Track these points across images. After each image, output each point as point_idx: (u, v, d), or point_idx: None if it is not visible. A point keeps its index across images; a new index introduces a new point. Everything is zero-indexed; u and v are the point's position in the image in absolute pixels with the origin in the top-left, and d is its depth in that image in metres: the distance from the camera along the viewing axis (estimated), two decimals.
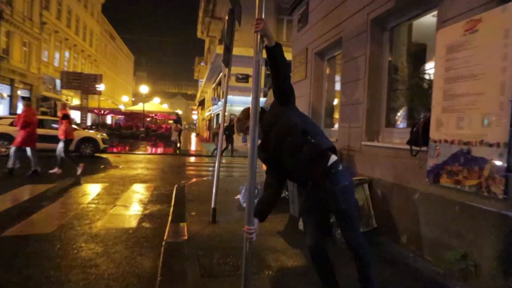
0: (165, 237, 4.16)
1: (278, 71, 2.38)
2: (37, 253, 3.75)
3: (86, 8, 37.33)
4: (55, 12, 29.43)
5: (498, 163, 2.79)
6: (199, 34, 29.59)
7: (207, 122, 36.04)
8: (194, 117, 63.00)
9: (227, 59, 5.33)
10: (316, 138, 2.38)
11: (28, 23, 25.14)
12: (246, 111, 2.59)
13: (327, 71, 6.83)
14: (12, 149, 8.41)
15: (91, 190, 7.25)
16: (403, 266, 3.48)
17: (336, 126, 6.29)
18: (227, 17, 5.15)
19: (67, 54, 32.71)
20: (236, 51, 17.52)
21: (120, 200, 6.44)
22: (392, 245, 4.07)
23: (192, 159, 16.56)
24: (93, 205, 5.93)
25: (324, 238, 2.58)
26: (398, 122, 4.79)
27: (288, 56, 8.58)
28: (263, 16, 2.36)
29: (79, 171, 8.85)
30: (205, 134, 35.72)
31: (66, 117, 9.26)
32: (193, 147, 24.47)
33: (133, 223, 5.05)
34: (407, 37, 4.69)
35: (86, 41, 37.76)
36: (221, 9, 20.62)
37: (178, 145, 17.81)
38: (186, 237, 4.14)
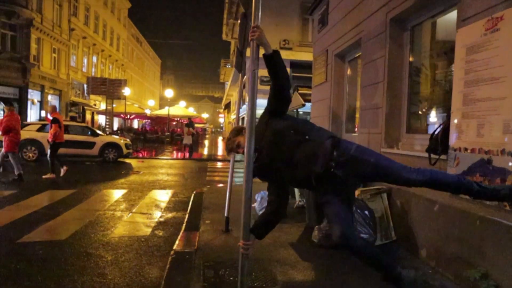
0: (174, 246, 4.20)
1: (276, 79, 2.36)
2: (49, 260, 3.87)
3: (113, 13, 38.62)
4: (83, 18, 30.64)
5: None
6: (224, 36, 29.81)
7: (232, 125, 36.28)
8: (221, 120, 63.56)
9: (240, 63, 5.33)
10: (311, 134, 2.36)
11: (57, 30, 26.31)
12: (235, 129, 2.59)
13: (348, 73, 6.70)
14: (6, 154, 8.71)
15: (110, 196, 7.45)
16: (420, 284, 3.33)
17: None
18: (239, 21, 5.16)
19: (94, 59, 33.95)
20: (260, 53, 17.58)
21: (137, 207, 6.57)
22: (412, 259, 3.91)
23: (218, 164, 16.72)
24: (110, 212, 6.08)
25: (352, 226, 2.53)
26: (420, 128, 4.61)
27: (310, 57, 8.51)
28: (259, 23, 2.34)
29: (62, 173, 9.27)
30: None
31: (56, 121, 9.33)
32: (219, 151, 24.70)
33: (147, 231, 5.13)
34: (430, 36, 4.51)
35: (113, 46, 39.05)
36: None
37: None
38: (195, 247, 4.16)
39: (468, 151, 3.14)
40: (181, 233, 4.76)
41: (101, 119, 32.65)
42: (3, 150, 8.73)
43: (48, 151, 9.45)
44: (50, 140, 9.31)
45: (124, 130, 25.17)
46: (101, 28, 35.12)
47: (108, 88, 18.35)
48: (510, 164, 2.72)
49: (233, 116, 36.25)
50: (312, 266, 3.65)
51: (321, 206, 2.52)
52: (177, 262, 3.70)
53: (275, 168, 2.40)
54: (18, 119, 9.09)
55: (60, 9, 26.87)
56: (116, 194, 7.71)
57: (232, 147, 2.59)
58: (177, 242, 4.37)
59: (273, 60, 2.33)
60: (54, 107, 10.03)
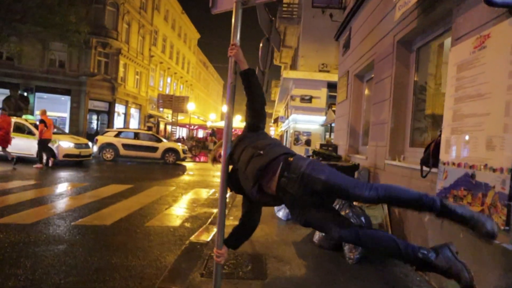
0: (191, 237, 4.18)
1: (249, 95, 2.24)
2: (89, 240, 4.03)
3: (185, 42, 40.51)
4: (160, 47, 32.46)
5: (501, 190, 2.26)
6: (276, 61, 30.03)
7: (279, 137, 36.18)
8: (272, 132, 63.80)
9: (262, 81, 5.24)
10: (267, 150, 2.10)
11: (140, 57, 28.10)
12: (219, 142, 2.50)
13: (366, 92, 6.35)
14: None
15: (158, 192, 7.66)
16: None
17: None
18: (261, 44, 5.09)
19: (169, 80, 35.72)
20: (300, 74, 17.41)
21: (177, 202, 6.68)
22: (404, 266, 3.53)
23: None
24: (153, 205, 6.24)
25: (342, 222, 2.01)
26: (423, 143, 4.20)
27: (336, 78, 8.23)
28: (238, 42, 2.26)
29: (50, 164, 10.34)
30: None
31: (42, 121, 10.22)
32: None
33: (177, 223, 5.18)
34: (435, 57, 4.13)
35: (184, 69, 40.87)
36: (290, 39, 20.74)
37: None
38: (209, 239, 4.10)
39: (455, 165, 2.78)
40: (204, 226, 4.74)
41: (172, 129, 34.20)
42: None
43: (37, 146, 10.49)
44: (38, 137, 10.32)
45: (187, 138, 26.03)
46: (174, 55, 36.96)
47: (174, 103, 19.16)
48: (491, 179, 2.35)
49: (280, 129, 36.15)
50: (305, 264, 3.43)
51: (304, 223, 2.11)
52: (188, 251, 3.66)
53: (238, 179, 2.25)
54: (8, 121, 10.17)
55: (143, 40, 28.70)
56: (164, 190, 7.92)
57: (214, 156, 2.51)
58: (196, 233, 4.35)
59: (247, 77, 2.22)
60: (43, 111, 10.79)
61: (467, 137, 2.65)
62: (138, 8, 27.14)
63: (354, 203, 3.99)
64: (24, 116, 12.45)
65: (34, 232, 4.17)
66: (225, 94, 2.35)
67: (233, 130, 2.40)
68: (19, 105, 15.07)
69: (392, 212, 4.02)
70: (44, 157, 10.33)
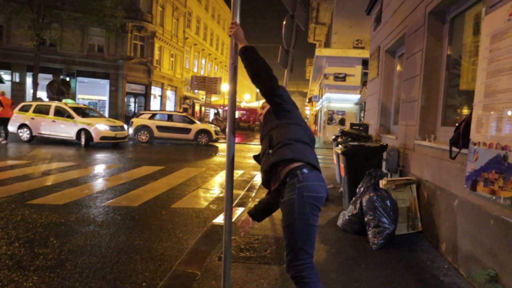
0: (214, 219, 4.25)
1: (250, 73, 2.13)
2: (118, 222, 4.24)
3: (218, 23, 40.37)
4: (194, 29, 32.64)
5: None
6: (309, 39, 29.17)
7: (314, 117, 35.56)
8: (307, 112, 62.81)
9: (285, 60, 5.09)
10: (274, 149, 1.93)
11: (174, 39, 28.48)
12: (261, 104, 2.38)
13: (398, 68, 5.98)
14: None
15: (188, 173, 7.84)
16: (429, 279, 2.85)
17: None
18: (284, 22, 4.91)
19: (203, 61, 36.03)
20: (334, 52, 16.82)
21: (205, 184, 6.81)
22: (432, 251, 3.38)
23: None
24: (182, 186, 6.41)
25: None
26: (456, 121, 3.90)
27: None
28: (238, 21, 2.18)
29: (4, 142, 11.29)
30: (313, 128, 35.37)
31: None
32: None
33: (203, 205, 5.27)
34: (472, 28, 3.75)
35: (218, 50, 40.94)
36: (323, 15, 19.92)
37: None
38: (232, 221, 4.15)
39: (486, 146, 2.55)
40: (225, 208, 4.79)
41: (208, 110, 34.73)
42: None
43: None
44: None
45: (220, 119, 26.30)
46: (208, 36, 37.03)
47: (207, 84, 19.36)
48: None
49: (315, 108, 35.49)
50: (327, 249, 3.39)
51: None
52: (209, 234, 3.69)
53: None
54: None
55: (177, 22, 28.97)
56: (194, 172, 8.10)
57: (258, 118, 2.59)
58: (219, 216, 4.40)
59: (245, 55, 2.13)
60: (2, 92, 11.80)
61: (500, 115, 2.40)
62: None
63: (380, 185, 3.84)
64: (64, 100, 13.17)
65: (65, 213, 4.41)
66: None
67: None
68: (61, 90, 15.97)
69: (421, 195, 3.82)
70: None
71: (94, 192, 5.64)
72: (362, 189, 3.71)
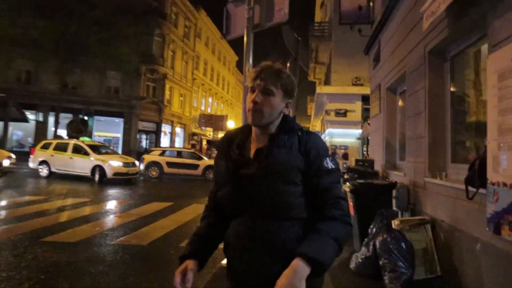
0: (223, 261, 3.93)
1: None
2: (127, 262, 3.95)
3: (224, 65, 41.50)
4: (202, 70, 33.50)
5: None
6: (309, 78, 29.66)
7: None
8: None
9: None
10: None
11: (184, 80, 29.14)
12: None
13: (400, 104, 5.84)
14: None
15: (197, 209, 7.52)
16: None
17: None
18: (288, 64, 4.86)
19: (210, 100, 36.62)
20: (334, 89, 16.90)
21: None
22: None
23: None
24: (191, 223, 6.11)
25: None
26: (467, 158, 3.66)
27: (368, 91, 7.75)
28: (251, 64, 2.05)
29: None
30: None
31: None
32: None
33: None
34: (473, 65, 3.62)
35: (224, 90, 41.74)
36: (322, 55, 20.35)
37: None
38: None
39: (507, 186, 2.30)
40: None
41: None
42: None
43: None
44: None
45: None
46: (215, 77, 37.93)
47: (214, 122, 19.42)
48: None
49: None
50: None
51: None
52: (218, 276, 3.37)
53: None
54: None
55: (186, 65, 29.80)
56: (202, 208, 7.63)
57: None
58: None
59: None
60: None
61: None
62: (182, 37, 28.33)
63: (393, 226, 3.53)
64: (81, 138, 13.22)
65: (76, 252, 4.19)
66: None
67: None
68: (80, 128, 16.15)
69: (437, 236, 3.50)
70: None
71: (105, 229, 5.40)
72: (374, 229, 3.41)
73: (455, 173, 3.61)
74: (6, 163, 11.29)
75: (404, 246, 3.21)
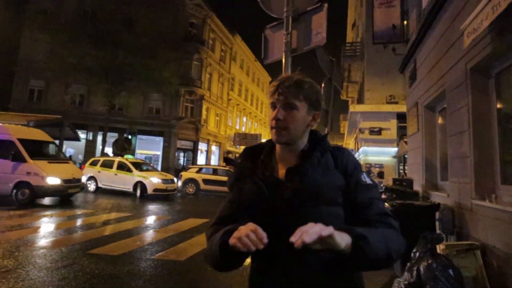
0: None
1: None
2: (165, 277, 4.01)
3: (258, 85, 42.25)
4: (237, 91, 34.32)
5: None
6: (342, 97, 29.30)
7: None
8: None
9: (325, 120, 4.92)
10: None
11: (220, 101, 29.98)
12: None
13: (439, 122, 5.55)
14: None
15: None
16: None
17: None
18: (323, 84, 4.83)
19: (244, 119, 37.22)
20: (367, 108, 16.53)
21: None
22: None
23: None
24: None
25: None
26: None
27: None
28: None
29: None
30: None
31: None
32: None
33: (247, 261, 4.87)
34: None
35: (258, 109, 42.31)
36: (355, 74, 20.10)
37: None
38: None
39: None
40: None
41: None
42: None
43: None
44: None
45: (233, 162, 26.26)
46: (249, 97, 38.66)
47: (248, 140, 19.65)
48: None
49: None
50: None
51: None
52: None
53: None
54: None
55: (222, 86, 30.72)
56: None
57: None
58: None
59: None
60: None
61: None
62: (218, 60, 29.40)
63: (438, 250, 3.29)
64: (125, 156, 13.90)
65: (119, 264, 4.32)
66: None
67: None
68: (124, 146, 17.03)
69: (489, 263, 3.20)
70: None
71: (145, 243, 5.54)
72: (417, 254, 3.18)
73: (507, 195, 3.32)
74: (84, 179, 12.12)
75: (452, 273, 2.95)
